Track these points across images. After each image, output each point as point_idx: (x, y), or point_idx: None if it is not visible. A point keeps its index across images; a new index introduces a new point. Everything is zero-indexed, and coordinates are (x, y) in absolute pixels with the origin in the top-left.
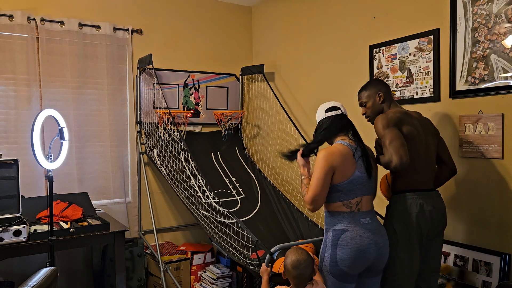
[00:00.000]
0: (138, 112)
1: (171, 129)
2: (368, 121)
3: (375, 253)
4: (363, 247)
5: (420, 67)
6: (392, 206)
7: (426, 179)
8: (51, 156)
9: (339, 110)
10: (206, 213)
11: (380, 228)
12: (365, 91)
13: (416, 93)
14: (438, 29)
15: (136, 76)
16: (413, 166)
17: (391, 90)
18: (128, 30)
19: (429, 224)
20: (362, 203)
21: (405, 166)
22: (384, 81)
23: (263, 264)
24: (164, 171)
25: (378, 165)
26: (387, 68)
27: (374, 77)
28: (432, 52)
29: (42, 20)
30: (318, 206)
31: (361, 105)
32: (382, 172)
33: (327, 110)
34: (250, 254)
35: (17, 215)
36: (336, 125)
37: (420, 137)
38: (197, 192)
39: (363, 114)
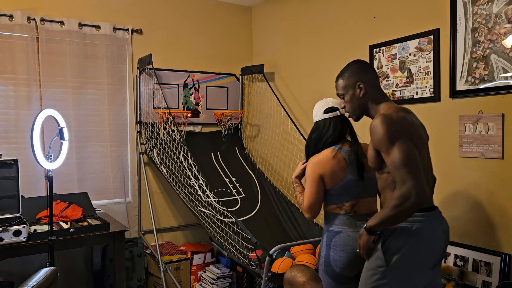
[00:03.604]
0: (138, 112)
1: (171, 129)
2: (349, 117)
3: None
4: (356, 249)
5: (420, 67)
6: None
7: (430, 192)
8: (51, 156)
9: (338, 111)
10: (206, 211)
11: None
12: (342, 79)
13: (416, 93)
14: (438, 29)
15: (136, 76)
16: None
17: (380, 81)
18: (128, 30)
19: (439, 251)
20: (359, 206)
21: (422, 205)
22: (372, 66)
23: None
24: (164, 171)
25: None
26: (387, 68)
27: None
28: (432, 52)
29: (42, 20)
30: (316, 213)
31: (339, 96)
32: None
33: (326, 111)
34: (249, 254)
35: (17, 215)
36: (338, 132)
37: (425, 142)
38: (197, 192)
39: (342, 108)
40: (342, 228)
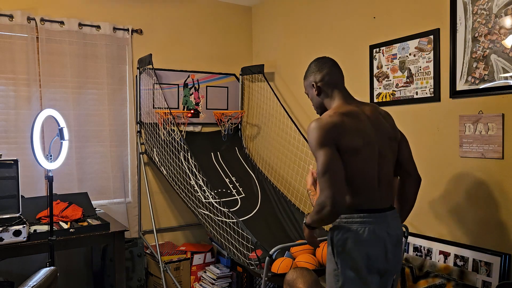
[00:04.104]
0: (138, 112)
1: (171, 129)
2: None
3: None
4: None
5: (420, 67)
6: (333, 230)
7: (380, 196)
8: (51, 156)
9: None
10: (206, 211)
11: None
12: (304, 79)
13: (416, 93)
14: (438, 29)
15: (136, 76)
16: (360, 183)
17: (341, 78)
18: (128, 30)
19: (382, 255)
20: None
21: (339, 214)
22: (330, 63)
23: None
24: (164, 171)
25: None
26: (387, 68)
27: (374, 77)
28: (432, 52)
29: (42, 20)
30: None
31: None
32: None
33: None
34: (249, 254)
35: (17, 215)
36: None
37: (370, 146)
38: (197, 192)
39: None
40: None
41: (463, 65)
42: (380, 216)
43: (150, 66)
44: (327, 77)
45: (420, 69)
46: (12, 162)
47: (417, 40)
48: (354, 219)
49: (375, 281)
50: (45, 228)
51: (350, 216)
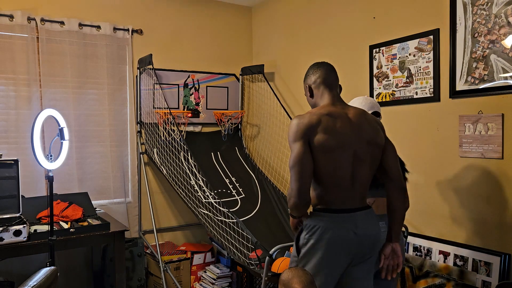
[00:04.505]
0: (138, 112)
1: (171, 129)
2: None
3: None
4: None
5: (420, 67)
6: (303, 225)
7: (351, 196)
8: (51, 156)
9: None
10: (206, 212)
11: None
12: (303, 81)
13: (416, 93)
14: (438, 29)
15: (136, 76)
16: (330, 181)
17: (332, 79)
18: (128, 30)
19: (349, 255)
20: (377, 205)
21: (305, 205)
22: (324, 66)
23: None
24: (164, 171)
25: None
26: (387, 68)
27: (374, 77)
28: (432, 52)
29: (42, 20)
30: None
31: None
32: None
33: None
34: (249, 253)
35: (17, 215)
36: None
37: (345, 147)
38: (197, 192)
39: None
40: None
41: (463, 65)
42: (348, 216)
43: (150, 66)
44: (319, 80)
45: (420, 69)
46: (12, 162)
47: (417, 40)
48: (321, 217)
49: (334, 275)
50: (45, 228)
51: (318, 214)
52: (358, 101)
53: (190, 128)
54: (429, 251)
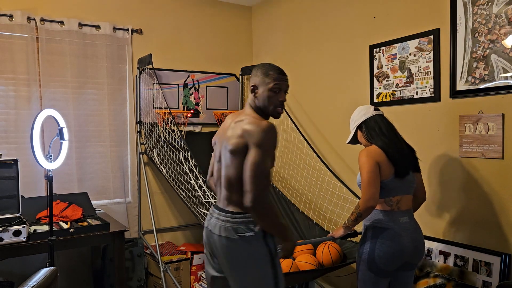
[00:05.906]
0: (138, 112)
1: (171, 129)
2: None
3: (412, 251)
4: (401, 246)
5: (420, 67)
6: None
7: (219, 196)
8: (51, 156)
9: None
10: (206, 212)
11: (417, 226)
12: None
13: (416, 93)
14: (438, 29)
15: (136, 76)
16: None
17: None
18: (128, 30)
19: (208, 250)
20: (402, 202)
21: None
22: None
23: None
24: (164, 171)
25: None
26: (387, 68)
27: (374, 77)
28: (432, 52)
29: (42, 20)
30: (377, 201)
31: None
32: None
33: (375, 109)
34: None
35: (17, 215)
36: (390, 127)
37: (215, 148)
38: (197, 192)
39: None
40: (388, 224)
41: (463, 65)
42: (210, 213)
43: (150, 66)
44: (259, 83)
45: (420, 69)
46: (12, 162)
47: (417, 40)
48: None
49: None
50: (45, 228)
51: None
52: (368, 107)
53: (190, 128)
54: (429, 251)
